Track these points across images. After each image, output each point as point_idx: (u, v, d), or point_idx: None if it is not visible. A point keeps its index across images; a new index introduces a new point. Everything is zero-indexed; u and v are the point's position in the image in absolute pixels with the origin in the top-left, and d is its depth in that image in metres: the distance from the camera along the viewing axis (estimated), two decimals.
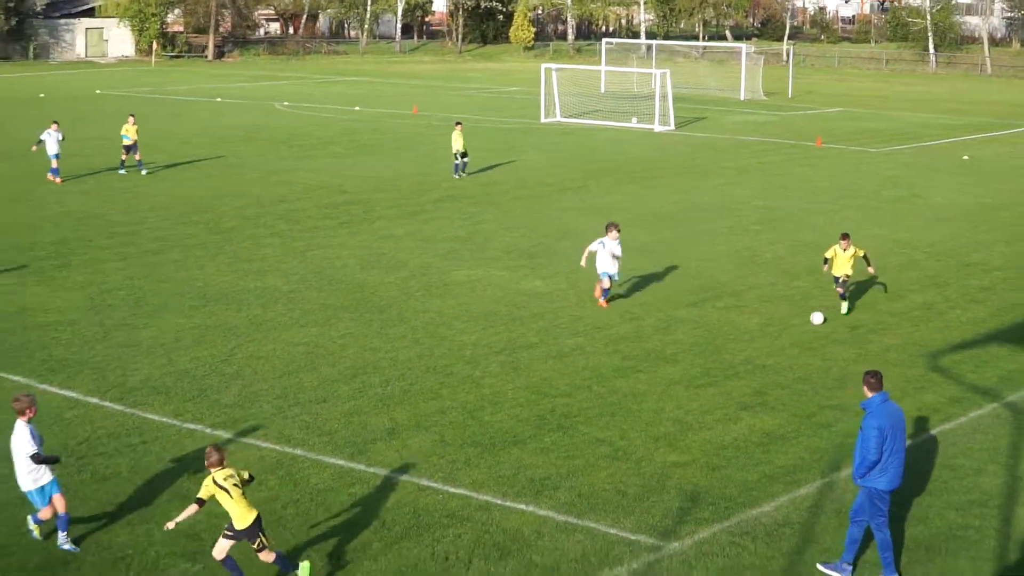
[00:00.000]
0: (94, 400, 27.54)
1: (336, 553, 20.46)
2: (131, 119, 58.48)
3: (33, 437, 20.10)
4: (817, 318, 33.63)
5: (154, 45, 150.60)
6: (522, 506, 22.27)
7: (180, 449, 24.80)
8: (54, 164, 55.85)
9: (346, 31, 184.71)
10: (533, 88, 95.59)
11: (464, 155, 58.62)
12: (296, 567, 19.14)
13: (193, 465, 23.85)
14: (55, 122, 56.93)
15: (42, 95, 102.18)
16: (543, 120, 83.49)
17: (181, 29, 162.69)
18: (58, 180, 55.58)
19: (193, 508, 18.79)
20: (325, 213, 49.76)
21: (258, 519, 18.73)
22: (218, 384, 28.64)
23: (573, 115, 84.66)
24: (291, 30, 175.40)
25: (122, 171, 58.41)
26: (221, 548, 18.67)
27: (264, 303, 35.66)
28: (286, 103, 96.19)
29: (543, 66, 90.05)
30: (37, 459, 19.96)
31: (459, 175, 58.36)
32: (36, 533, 20.68)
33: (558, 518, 21.82)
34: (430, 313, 34.73)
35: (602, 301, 35.08)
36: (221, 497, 18.53)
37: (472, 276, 39.21)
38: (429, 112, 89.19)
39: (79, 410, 26.92)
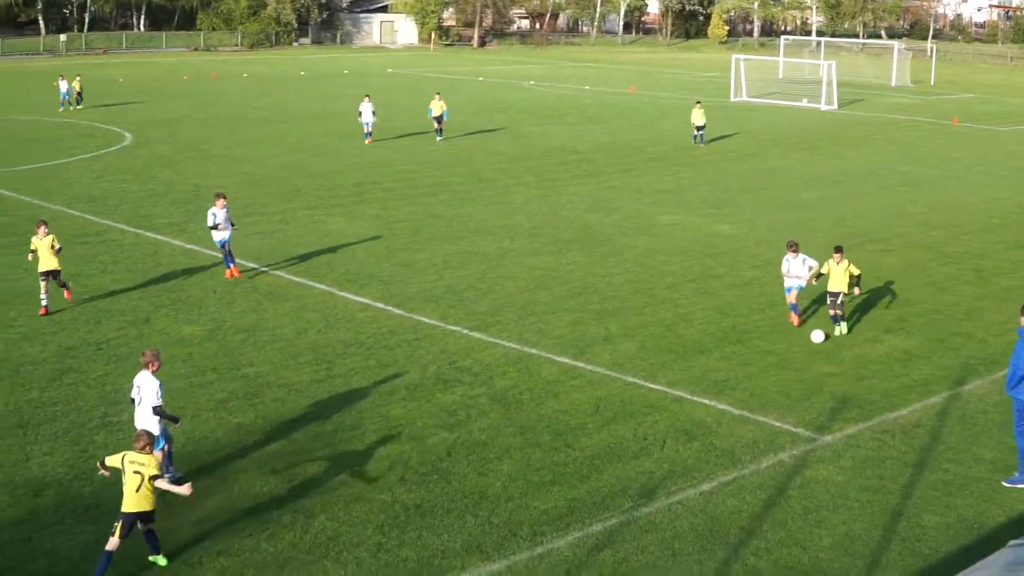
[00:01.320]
0: (380, 305, 27.95)
1: (558, 429, 20.45)
2: (437, 96, 57.81)
3: (160, 388, 17.55)
4: (817, 336, 25.40)
5: (432, 35, 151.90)
6: (706, 401, 21.95)
7: (444, 344, 25.03)
8: (366, 129, 55.43)
9: (580, 27, 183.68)
10: (724, 74, 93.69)
11: (701, 128, 57.13)
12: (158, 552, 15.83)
13: (455, 356, 24.08)
14: (367, 95, 56.88)
15: (346, 71, 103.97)
16: (732, 99, 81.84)
17: (453, 23, 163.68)
18: (367, 141, 55.22)
19: (104, 472, 15.57)
20: (560, 168, 49.57)
21: (141, 515, 15.24)
22: (474, 296, 28.80)
23: (756, 96, 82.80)
24: (537, 25, 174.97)
25: (440, 139, 56.62)
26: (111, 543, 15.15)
27: (511, 236, 35.71)
28: (532, 82, 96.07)
29: (733, 56, 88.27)
30: (159, 412, 17.39)
31: (699, 144, 56.95)
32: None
33: (734, 412, 21.45)
34: (639, 248, 34.36)
35: (793, 316, 26.66)
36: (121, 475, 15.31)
37: (673, 220, 38.67)
38: (642, 91, 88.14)
39: (368, 312, 27.35)
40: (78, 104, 68.63)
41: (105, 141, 55.35)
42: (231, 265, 30.15)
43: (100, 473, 15.70)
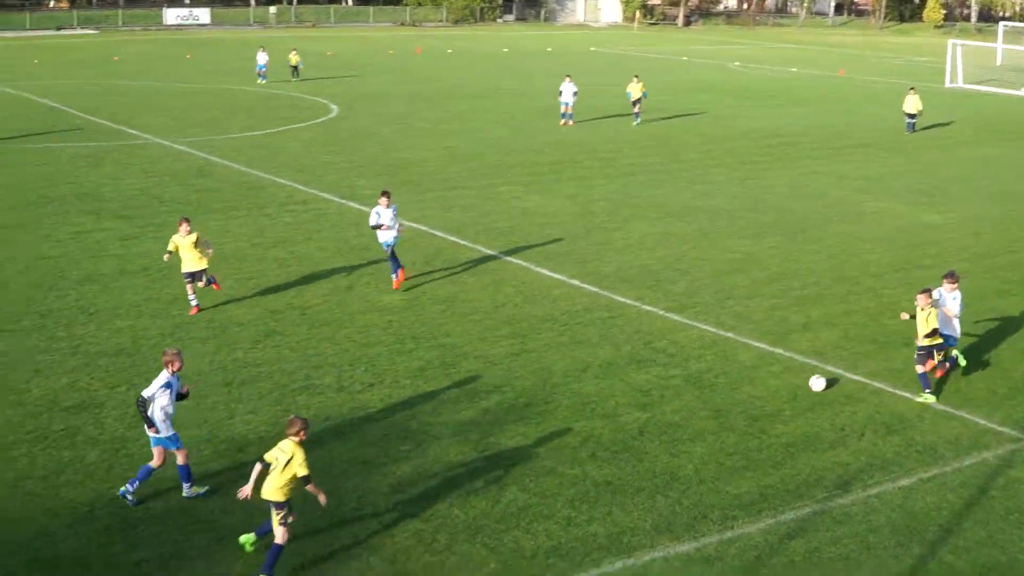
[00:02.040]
0: (575, 282, 28.13)
1: (753, 415, 20.30)
2: (635, 79, 56.45)
3: (172, 390, 16.51)
4: (817, 384, 21.48)
5: (636, 14, 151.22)
6: (908, 395, 21.44)
7: (639, 324, 25.05)
8: (564, 109, 54.56)
9: (789, 7, 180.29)
10: (939, 59, 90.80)
11: (914, 116, 55.13)
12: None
13: (649, 336, 24.12)
14: (568, 75, 56.43)
15: (549, 49, 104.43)
16: (947, 85, 79.22)
17: (658, 2, 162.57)
18: (570, 123, 54.32)
19: (257, 467, 15.19)
20: (761, 151, 48.91)
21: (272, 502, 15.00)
22: (670, 277, 28.74)
23: (972, 83, 79.95)
24: (745, 5, 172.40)
25: (636, 123, 55.30)
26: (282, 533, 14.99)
27: (710, 218, 35.46)
28: (737, 63, 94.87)
29: (950, 41, 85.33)
30: (139, 402, 16.43)
31: (910, 132, 55.07)
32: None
33: (938, 407, 20.92)
34: (842, 235, 33.69)
35: (937, 368, 21.65)
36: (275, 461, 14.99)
37: (879, 208, 37.77)
38: (852, 75, 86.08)
39: (564, 289, 27.57)
40: (294, 77, 70.30)
41: (313, 113, 56.99)
42: (397, 271, 27.13)
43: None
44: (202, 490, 16.95)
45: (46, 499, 16.67)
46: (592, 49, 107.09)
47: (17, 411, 19.75)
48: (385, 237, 27.09)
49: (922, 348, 21.30)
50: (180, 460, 16.74)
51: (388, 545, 15.71)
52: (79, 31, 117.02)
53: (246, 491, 15.14)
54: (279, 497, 14.88)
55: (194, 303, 25.18)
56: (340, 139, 48.88)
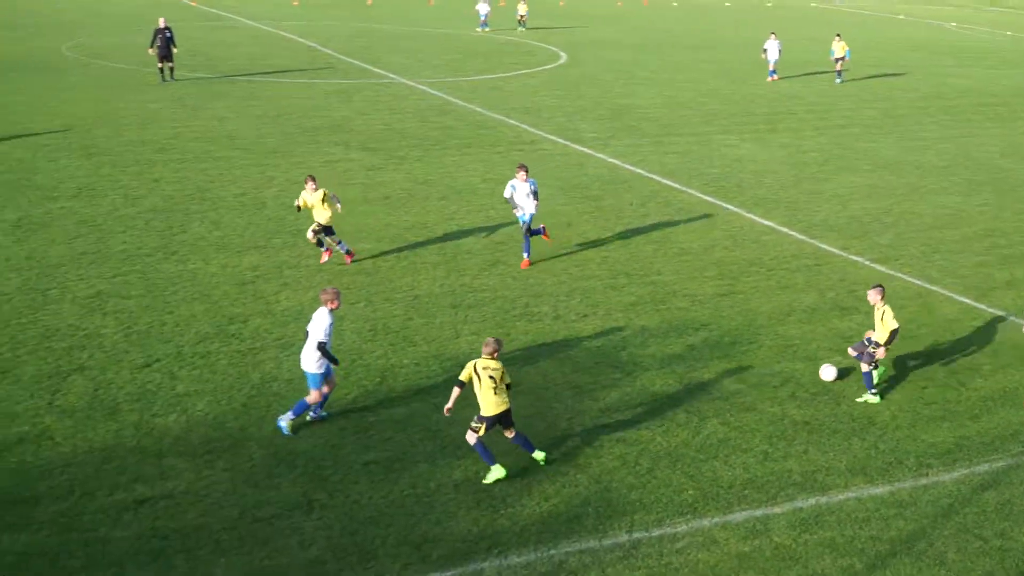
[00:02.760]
0: (784, 229, 27.41)
1: (952, 368, 19.44)
2: (837, 37, 53.99)
3: (330, 327, 16.19)
4: (828, 373, 18.66)
5: None
6: None
7: (844, 273, 24.27)
8: (771, 67, 53.10)
9: None
10: None
11: None
12: (532, 450, 15.62)
13: (854, 284, 23.34)
14: (772, 32, 54.81)
15: (769, 4, 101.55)
16: None
17: None
18: (771, 79, 52.64)
19: (455, 391, 15.26)
20: (976, 110, 46.53)
21: (501, 415, 15.15)
22: (878, 229, 27.71)
23: None
24: None
25: (839, 81, 52.83)
26: (469, 436, 15.15)
27: (920, 173, 33.99)
28: (953, 24, 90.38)
29: None
30: (322, 349, 16.08)
31: None
32: (287, 429, 16.33)
33: None
34: None
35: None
36: (475, 383, 15.10)
37: None
38: None
39: (772, 235, 26.89)
40: (520, 27, 70.40)
41: (543, 59, 56.93)
42: (527, 252, 24.16)
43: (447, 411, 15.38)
44: (291, 432, 16.20)
45: (289, 400, 17.23)
46: (813, 5, 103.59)
47: (267, 319, 20.47)
48: (521, 212, 24.15)
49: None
50: (309, 399, 16.32)
51: (594, 465, 15.69)
52: None
53: (449, 409, 15.31)
54: (504, 407, 15.08)
55: (345, 249, 23.81)
56: (566, 84, 48.69)
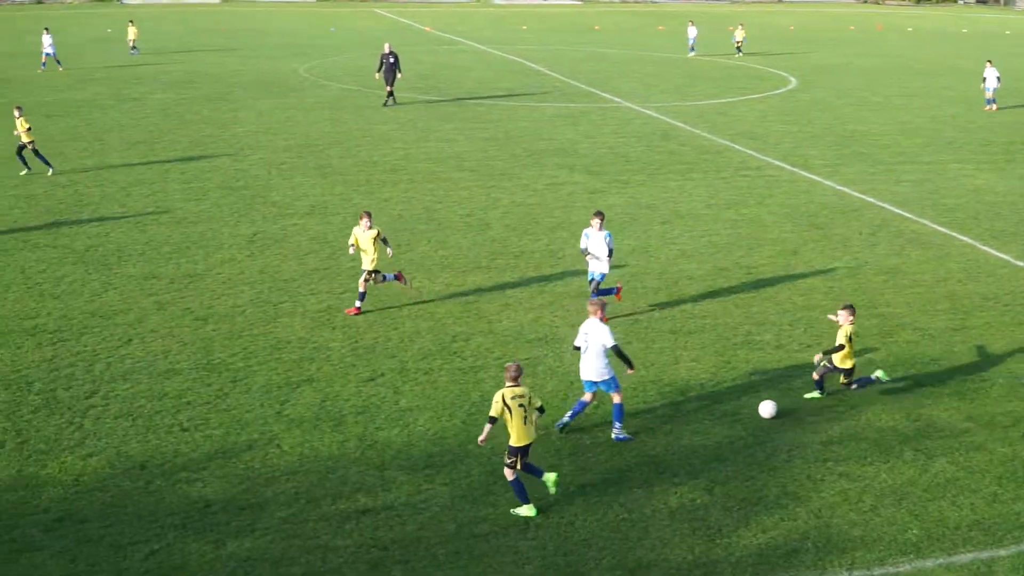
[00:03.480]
0: (1021, 264, 26.10)
1: None
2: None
3: (611, 332, 16.83)
4: (767, 409, 17.66)
5: None
6: None
7: None
8: (988, 95, 49.33)
9: None
10: None
11: None
12: (541, 475, 15.17)
13: None
14: (989, 60, 51.03)
15: (1007, 32, 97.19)
16: None
17: None
18: (988, 108, 48.97)
19: (487, 427, 14.76)
20: None
21: (529, 446, 14.77)
22: None
23: None
24: None
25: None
26: (507, 472, 14.79)
27: None
28: None
29: None
30: (618, 351, 16.74)
31: None
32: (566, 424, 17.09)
33: None
34: None
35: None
36: (506, 415, 14.60)
37: None
38: None
39: (1008, 270, 25.66)
40: (737, 53, 68.85)
41: (772, 84, 56.07)
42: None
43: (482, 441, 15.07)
44: (629, 435, 16.97)
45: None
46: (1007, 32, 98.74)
47: (488, 339, 20.78)
48: (594, 267, 21.84)
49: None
50: (617, 399, 16.90)
51: (814, 499, 15.27)
52: (562, 0, 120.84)
53: (482, 440, 15.03)
54: (533, 439, 14.84)
55: (358, 303, 22.14)
56: (795, 110, 47.79)
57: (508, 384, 14.72)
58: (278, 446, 16.61)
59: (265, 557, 13.77)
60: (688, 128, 42.40)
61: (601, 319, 16.94)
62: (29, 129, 33.69)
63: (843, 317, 18.14)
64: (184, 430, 17.11)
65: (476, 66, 61.02)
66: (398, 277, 22.56)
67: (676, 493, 15.31)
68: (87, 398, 18.19)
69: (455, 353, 20.12)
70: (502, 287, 23.71)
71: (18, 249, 26.37)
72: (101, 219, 29.02)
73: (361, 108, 46.15)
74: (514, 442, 14.64)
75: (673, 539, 14.21)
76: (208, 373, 19.23)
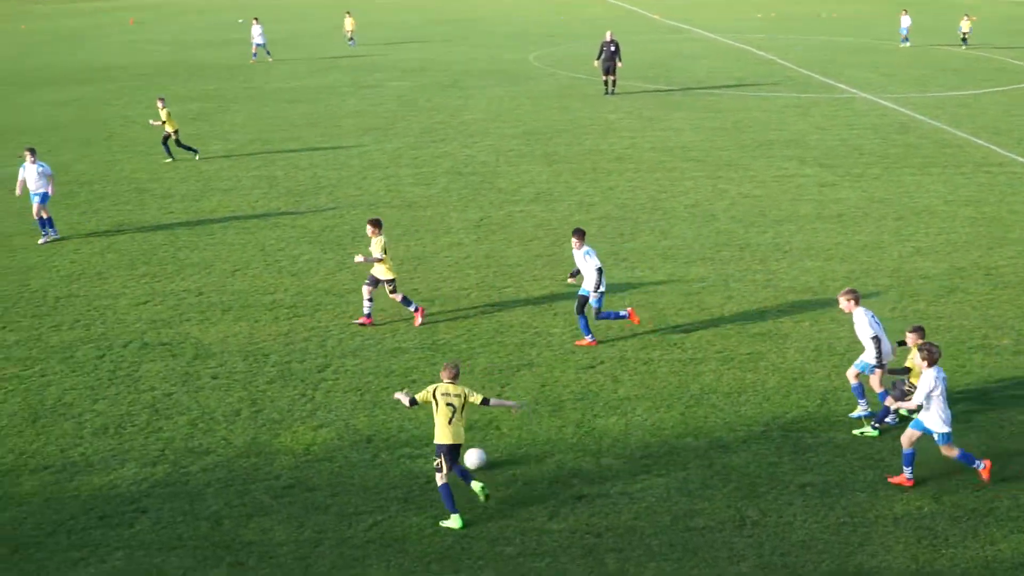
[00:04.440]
0: None
1: None
2: None
3: (873, 320, 16.43)
4: (473, 457, 15.37)
5: None
6: None
7: None
8: None
9: None
10: None
11: None
12: (470, 481, 14.72)
13: None
14: None
15: None
16: None
17: None
18: None
19: (406, 402, 14.53)
20: None
21: (454, 447, 14.31)
22: None
23: None
24: None
25: None
26: (437, 477, 14.39)
27: None
28: None
29: None
30: (876, 342, 16.22)
31: None
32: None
33: None
34: None
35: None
36: (433, 408, 14.37)
37: None
38: None
39: None
40: (963, 44, 65.33)
41: (1016, 76, 53.36)
42: (587, 332, 20.16)
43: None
44: (874, 433, 16.55)
45: (725, 413, 17.23)
46: None
47: (710, 331, 20.57)
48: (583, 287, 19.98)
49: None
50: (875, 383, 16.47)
51: None
52: None
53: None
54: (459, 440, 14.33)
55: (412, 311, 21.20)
56: None
57: (444, 380, 14.42)
58: (497, 428, 16.89)
59: (481, 535, 14.04)
60: (928, 121, 40.82)
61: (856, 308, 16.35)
62: (169, 118, 34.66)
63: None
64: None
65: (706, 55, 60.35)
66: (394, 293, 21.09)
67: (902, 500, 14.81)
68: (319, 372, 18.94)
69: (675, 344, 20.00)
70: (725, 280, 23.41)
71: (259, 228, 27.66)
72: (337, 201, 30.13)
73: (589, 97, 46.33)
74: (438, 439, 14.32)
75: (896, 546, 13.76)
76: (433, 353, 19.73)
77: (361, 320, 21.16)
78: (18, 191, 27.10)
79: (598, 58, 47.19)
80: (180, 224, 28.28)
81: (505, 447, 16.28)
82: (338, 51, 64.23)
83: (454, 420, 14.32)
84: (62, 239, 27.07)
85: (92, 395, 18.33)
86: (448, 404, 14.30)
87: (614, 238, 26.30)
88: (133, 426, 17.20)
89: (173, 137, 35.02)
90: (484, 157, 35.16)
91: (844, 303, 16.70)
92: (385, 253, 20.69)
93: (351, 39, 67.04)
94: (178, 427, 17.13)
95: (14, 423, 17.39)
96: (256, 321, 21.43)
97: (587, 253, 19.66)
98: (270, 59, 60.08)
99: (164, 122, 34.66)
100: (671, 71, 53.82)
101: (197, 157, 35.51)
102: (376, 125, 40.83)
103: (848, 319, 17.69)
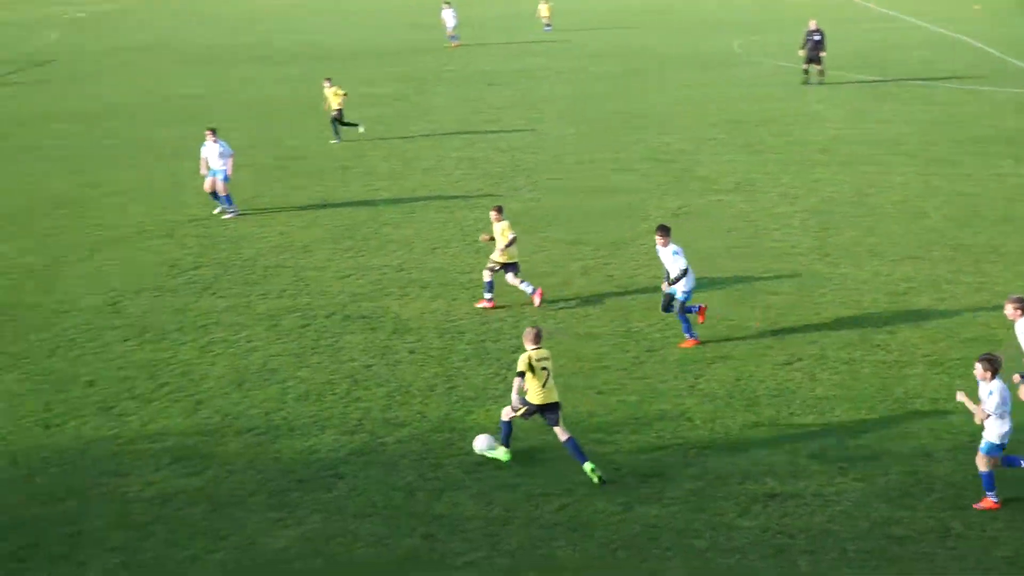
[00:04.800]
0: None
1: None
2: None
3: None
4: (479, 444, 15.70)
5: None
6: None
7: None
8: None
9: None
10: None
11: None
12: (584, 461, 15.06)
13: None
14: None
15: None
16: None
17: None
18: None
19: (516, 381, 15.13)
20: None
21: (553, 405, 15.17)
22: None
23: None
24: None
25: None
26: (504, 412, 15.52)
27: None
28: None
29: None
30: None
31: None
32: None
33: None
34: None
35: None
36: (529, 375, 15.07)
37: None
38: None
39: None
40: None
41: None
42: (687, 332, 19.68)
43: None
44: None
45: (931, 420, 16.59)
46: None
47: (916, 333, 19.82)
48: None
49: None
50: None
51: None
52: None
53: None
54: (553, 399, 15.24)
55: (529, 290, 21.51)
56: None
57: (531, 346, 15.11)
58: (689, 419, 16.73)
59: (670, 526, 13.94)
60: None
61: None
62: (334, 97, 35.35)
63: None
64: (599, 393, 17.62)
65: (920, 45, 58.27)
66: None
67: None
68: (512, 353, 19.10)
69: (879, 345, 19.39)
70: (936, 280, 22.56)
71: (459, 207, 28.10)
72: (535, 185, 30.34)
73: (794, 86, 45.36)
74: (534, 400, 15.08)
75: None
76: (626, 340, 19.68)
77: (535, 301, 21.27)
78: (202, 169, 28.13)
79: (802, 47, 46.19)
80: (383, 201, 28.97)
81: (697, 439, 16.11)
82: (533, 36, 64.53)
83: (548, 383, 15.08)
84: (257, 212, 28.07)
85: (296, 362, 18.97)
86: (543, 368, 15.10)
87: (817, 232, 25.68)
88: (333, 395, 17.72)
89: (336, 116, 35.75)
90: (684, 145, 34.83)
91: (1011, 311, 15.65)
92: (505, 238, 20.90)
93: (548, 24, 67.20)
94: (376, 398, 17.56)
95: (221, 386, 18.13)
96: (453, 299, 21.78)
97: (675, 252, 19.26)
98: (456, 44, 59.93)
99: (331, 102, 35.63)
100: (883, 62, 52.15)
101: (361, 129, 36.22)
102: (577, 109, 40.92)
103: None
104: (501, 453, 15.53)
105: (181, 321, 20.99)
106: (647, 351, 19.21)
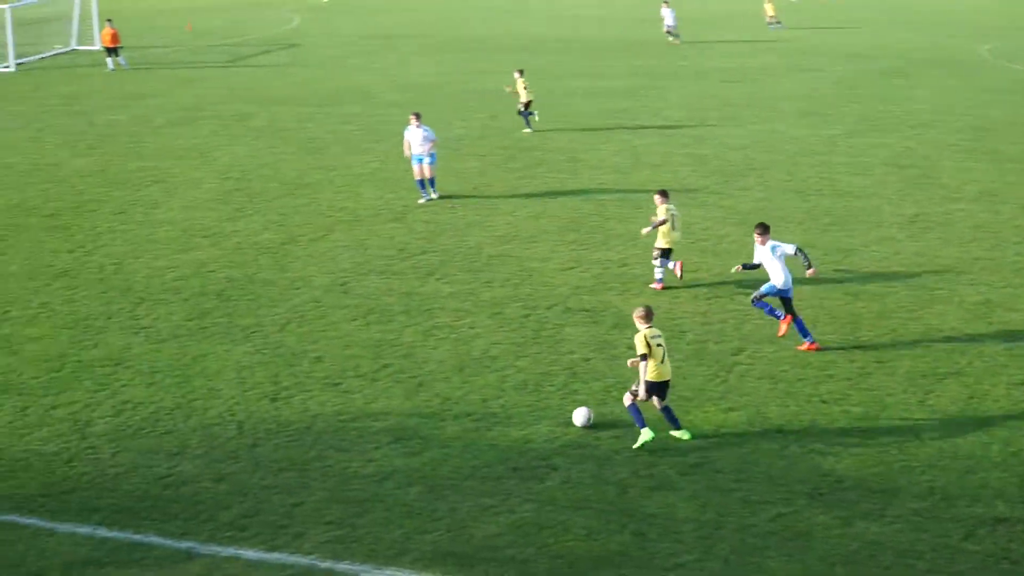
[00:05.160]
0: None
1: None
2: None
3: None
4: (579, 418, 16.28)
5: None
6: None
7: None
8: None
9: None
10: None
11: None
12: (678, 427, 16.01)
13: None
14: None
15: None
16: None
17: None
18: None
19: (641, 364, 15.70)
20: None
21: (667, 383, 15.79)
22: None
23: None
24: None
25: None
26: (626, 398, 15.90)
27: None
28: None
29: None
30: None
31: None
32: None
33: None
34: None
35: None
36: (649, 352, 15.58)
37: None
38: None
39: None
40: None
41: None
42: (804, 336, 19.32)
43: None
44: None
45: None
46: None
47: None
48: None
49: None
50: None
51: None
52: None
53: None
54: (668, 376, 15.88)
55: (658, 277, 22.21)
56: None
57: (643, 325, 15.69)
58: (917, 436, 16.15)
59: (891, 545, 13.48)
60: None
61: None
62: (524, 90, 35.53)
63: None
64: (823, 402, 17.20)
65: None
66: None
67: None
68: (733, 355, 18.87)
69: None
70: None
71: (685, 205, 27.73)
72: (766, 185, 29.82)
73: None
74: (653, 378, 15.56)
75: None
76: (853, 350, 19.14)
77: (655, 286, 21.93)
78: (406, 151, 28.68)
79: None
80: (609, 195, 28.99)
81: (925, 457, 15.53)
82: (759, 34, 63.10)
83: (664, 360, 15.70)
84: (484, 200, 28.51)
85: (516, 351, 19.22)
86: (659, 345, 15.69)
87: None
88: (551, 386, 17.88)
89: (523, 106, 36.11)
90: (925, 150, 33.60)
91: None
92: (667, 224, 21.68)
93: (775, 22, 65.43)
94: (592, 392, 17.62)
95: (442, 370, 18.53)
96: (675, 298, 21.63)
97: (773, 248, 19.08)
98: (677, 41, 58.70)
99: (516, 92, 36.04)
100: None
101: (536, 117, 36.31)
102: (813, 109, 40.02)
103: None
104: (647, 435, 15.68)
105: (407, 304, 21.54)
106: (875, 362, 18.63)
